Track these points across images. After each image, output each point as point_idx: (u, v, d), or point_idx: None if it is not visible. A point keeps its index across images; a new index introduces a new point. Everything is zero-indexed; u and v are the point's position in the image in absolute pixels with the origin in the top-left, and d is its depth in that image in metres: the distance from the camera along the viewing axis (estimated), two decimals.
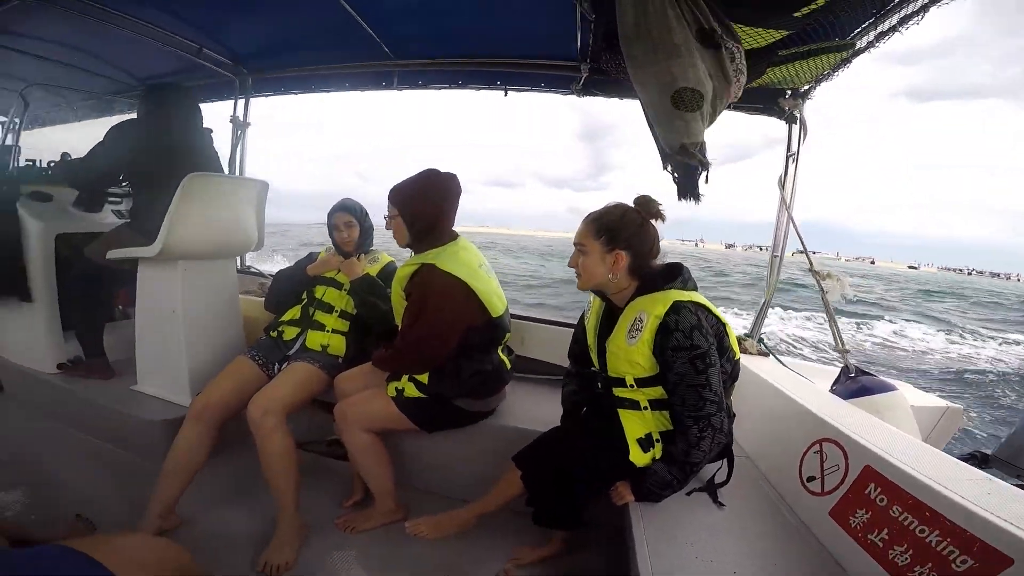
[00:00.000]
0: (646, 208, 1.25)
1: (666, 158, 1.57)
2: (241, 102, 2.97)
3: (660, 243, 1.26)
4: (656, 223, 1.26)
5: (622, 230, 1.22)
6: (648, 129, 1.59)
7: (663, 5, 1.29)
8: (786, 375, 1.73)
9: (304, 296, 1.89)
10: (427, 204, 1.53)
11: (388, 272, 1.91)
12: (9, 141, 2.68)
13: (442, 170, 1.57)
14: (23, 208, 2.08)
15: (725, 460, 1.31)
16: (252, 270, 3.09)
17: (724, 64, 1.39)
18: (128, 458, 1.88)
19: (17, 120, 2.70)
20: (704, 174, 1.52)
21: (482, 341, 1.57)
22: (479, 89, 2.58)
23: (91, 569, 0.67)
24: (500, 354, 1.67)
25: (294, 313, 1.87)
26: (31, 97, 2.63)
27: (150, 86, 2.13)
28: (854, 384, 1.79)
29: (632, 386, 1.22)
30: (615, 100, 2.27)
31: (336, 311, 1.84)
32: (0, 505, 1.56)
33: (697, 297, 1.19)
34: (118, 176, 1.93)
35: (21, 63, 2.66)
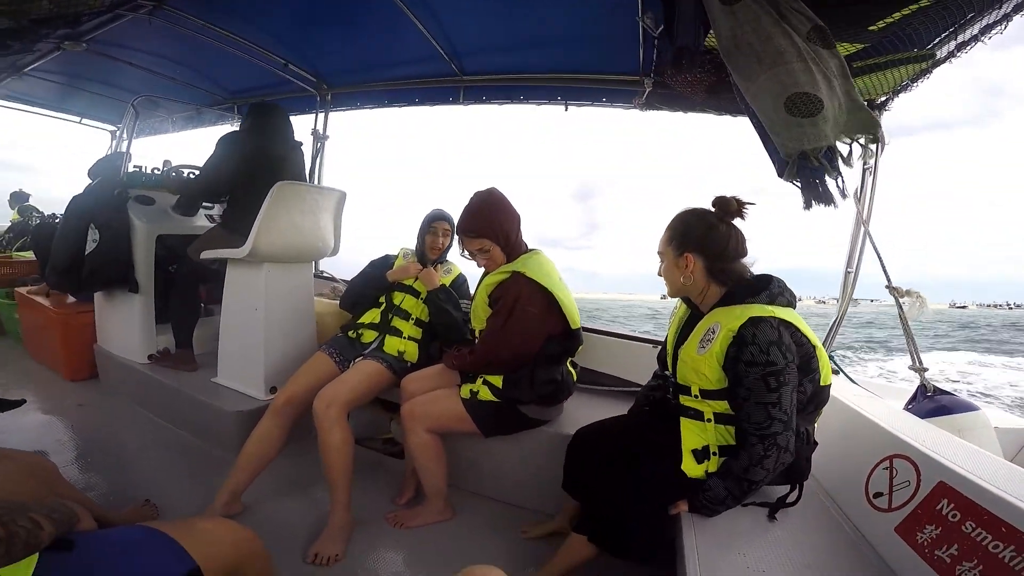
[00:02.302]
0: (723, 208, 1.25)
1: (783, 167, 1.55)
2: (321, 116, 3.28)
3: (746, 244, 1.26)
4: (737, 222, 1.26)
5: (690, 233, 1.26)
6: (740, 146, 1.67)
7: (757, 14, 1.32)
8: (857, 393, 1.71)
9: (382, 301, 2.02)
10: (508, 218, 1.67)
11: (459, 283, 2.04)
12: (121, 149, 3.08)
13: (484, 189, 1.71)
14: (131, 210, 2.39)
15: (796, 486, 1.28)
16: (325, 274, 3.33)
17: (845, 61, 1.39)
18: (202, 446, 2.07)
19: (128, 129, 3.10)
20: (836, 179, 1.49)
21: (558, 351, 1.66)
22: (540, 104, 2.73)
23: (171, 550, 0.77)
24: (568, 365, 1.75)
25: (373, 316, 1.99)
26: (140, 108, 2.97)
27: (252, 104, 2.40)
28: (931, 403, 1.75)
29: (697, 396, 1.23)
30: (679, 114, 2.35)
31: (412, 318, 1.96)
32: (87, 485, 1.76)
33: (784, 313, 1.16)
34: (229, 183, 2.16)
35: (133, 76, 3.08)
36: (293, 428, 1.74)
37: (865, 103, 1.45)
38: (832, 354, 2.03)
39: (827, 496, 1.39)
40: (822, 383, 1.21)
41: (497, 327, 1.59)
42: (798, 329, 1.15)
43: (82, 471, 1.86)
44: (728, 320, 1.16)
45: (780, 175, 1.58)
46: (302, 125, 3.31)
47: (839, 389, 1.69)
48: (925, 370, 1.84)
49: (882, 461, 1.20)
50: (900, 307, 1.80)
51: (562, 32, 2.22)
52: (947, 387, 1.85)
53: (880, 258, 1.87)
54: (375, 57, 2.77)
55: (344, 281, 3.19)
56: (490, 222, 1.65)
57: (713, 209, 1.27)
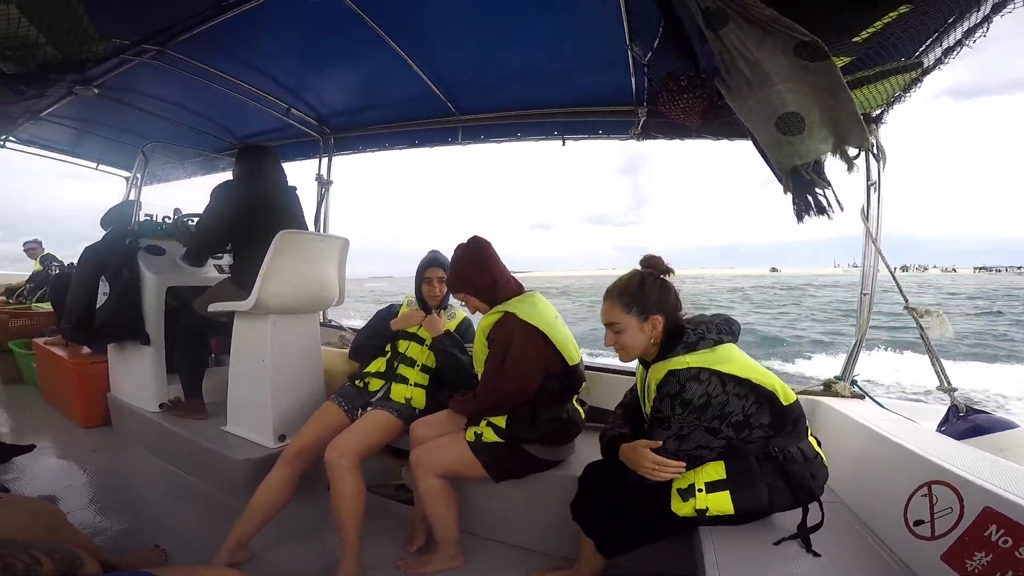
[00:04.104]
0: (657, 267, 1.37)
1: (782, 181, 1.64)
2: (325, 160, 3.37)
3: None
4: (669, 278, 1.38)
5: (648, 296, 1.33)
6: (745, 155, 1.68)
7: (742, 38, 1.36)
8: (886, 417, 1.69)
9: (388, 349, 2.06)
10: (480, 273, 1.73)
11: (464, 328, 2.07)
12: (132, 196, 3.19)
13: (465, 240, 1.78)
14: (142, 260, 2.48)
15: (813, 505, 1.28)
16: (333, 323, 3.39)
17: (837, 73, 1.41)
18: (211, 492, 2.11)
19: (139, 176, 3.20)
20: (826, 190, 1.55)
21: (559, 388, 1.68)
22: (537, 140, 2.80)
23: None
24: (574, 403, 1.77)
25: (379, 365, 2.03)
26: (150, 154, 3.10)
27: (241, 148, 2.47)
28: (966, 423, 1.72)
29: None
30: (676, 141, 2.37)
31: (418, 365, 2.00)
32: (96, 529, 1.81)
33: (699, 359, 1.26)
34: (227, 233, 2.19)
35: (145, 121, 3.19)
36: (302, 478, 1.76)
37: (861, 115, 1.48)
38: (855, 379, 1.99)
39: (862, 524, 1.38)
40: (785, 402, 1.28)
41: (495, 367, 1.62)
42: (715, 371, 1.24)
43: (93, 515, 1.92)
44: (656, 377, 1.30)
45: (785, 191, 1.65)
46: (307, 170, 3.40)
47: (864, 414, 1.70)
48: (954, 390, 1.82)
49: (920, 488, 1.19)
50: (921, 328, 1.76)
51: (553, 66, 2.26)
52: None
53: (895, 278, 1.86)
54: (373, 100, 2.85)
55: (352, 329, 3.24)
56: (462, 278, 1.74)
57: (648, 269, 1.37)
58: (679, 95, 1.88)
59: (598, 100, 2.46)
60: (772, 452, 1.26)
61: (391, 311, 2.14)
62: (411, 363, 2.00)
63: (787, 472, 1.24)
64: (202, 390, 2.44)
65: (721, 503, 1.24)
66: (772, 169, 1.65)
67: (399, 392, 1.96)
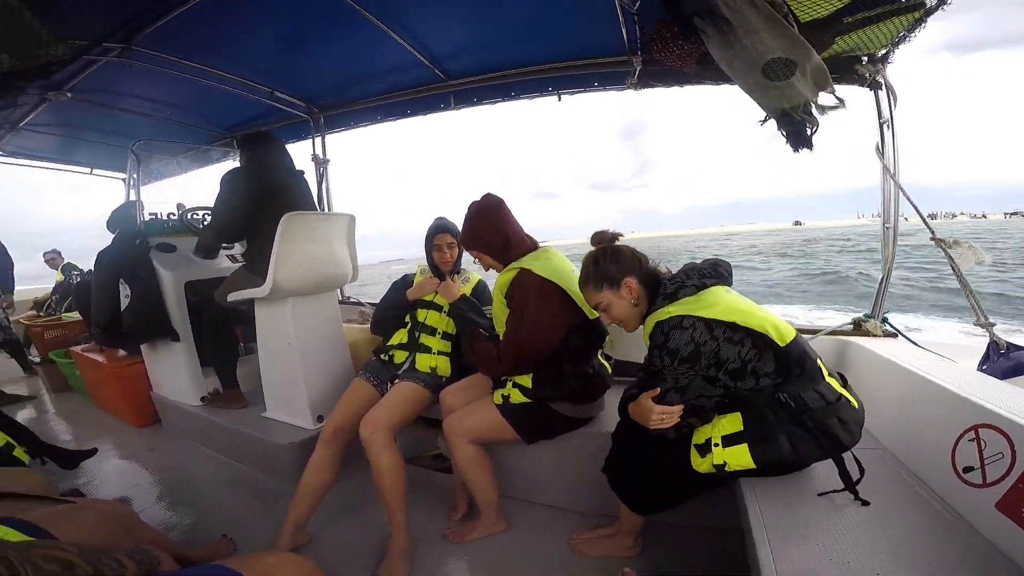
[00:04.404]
0: (605, 239, 1.48)
1: (774, 118, 1.76)
2: (319, 140, 3.31)
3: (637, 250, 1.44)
4: (619, 241, 1.48)
5: (608, 268, 1.39)
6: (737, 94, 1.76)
7: None
8: (921, 356, 1.62)
9: (408, 320, 2.08)
10: (492, 230, 1.70)
11: (480, 290, 2.06)
12: (132, 196, 3.19)
13: (478, 198, 1.75)
14: (155, 259, 2.50)
15: (840, 457, 1.25)
16: (352, 300, 3.42)
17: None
18: (262, 478, 2.20)
19: (135, 175, 3.20)
20: (814, 129, 1.69)
21: (582, 344, 1.66)
22: (532, 97, 2.72)
23: None
24: (600, 358, 1.76)
25: (401, 337, 2.05)
26: (141, 153, 3.08)
27: (242, 136, 2.43)
28: (1008, 361, 1.66)
29: None
30: (675, 88, 2.31)
31: (439, 333, 2.01)
32: (167, 525, 1.91)
33: (680, 308, 1.26)
34: (239, 223, 2.18)
35: (130, 122, 3.14)
36: (344, 455, 1.82)
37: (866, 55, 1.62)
38: (886, 316, 1.95)
39: (909, 473, 1.34)
40: (780, 343, 1.23)
41: (515, 325, 1.61)
42: (697, 317, 1.23)
43: (162, 512, 2.03)
44: (646, 331, 1.35)
45: (764, 121, 1.80)
46: (301, 152, 3.35)
47: (899, 353, 1.64)
48: (993, 325, 1.74)
49: (966, 432, 1.14)
50: (951, 260, 1.70)
51: (540, 23, 2.17)
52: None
53: (918, 210, 1.79)
54: (359, 74, 2.76)
55: (371, 304, 3.26)
56: (474, 237, 1.72)
57: (599, 246, 1.47)
58: (673, 42, 1.83)
59: (590, 52, 2.38)
60: (782, 400, 1.20)
61: (406, 281, 2.13)
62: (432, 332, 2.01)
63: (807, 419, 1.19)
64: (237, 379, 2.51)
65: (739, 457, 1.20)
66: (761, 107, 1.74)
67: (424, 362, 1.97)
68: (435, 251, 2.02)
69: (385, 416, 1.74)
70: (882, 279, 1.93)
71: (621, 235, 1.50)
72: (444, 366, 1.98)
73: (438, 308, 2.02)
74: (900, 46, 1.67)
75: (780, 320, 1.27)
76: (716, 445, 1.23)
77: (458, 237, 1.99)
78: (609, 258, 1.41)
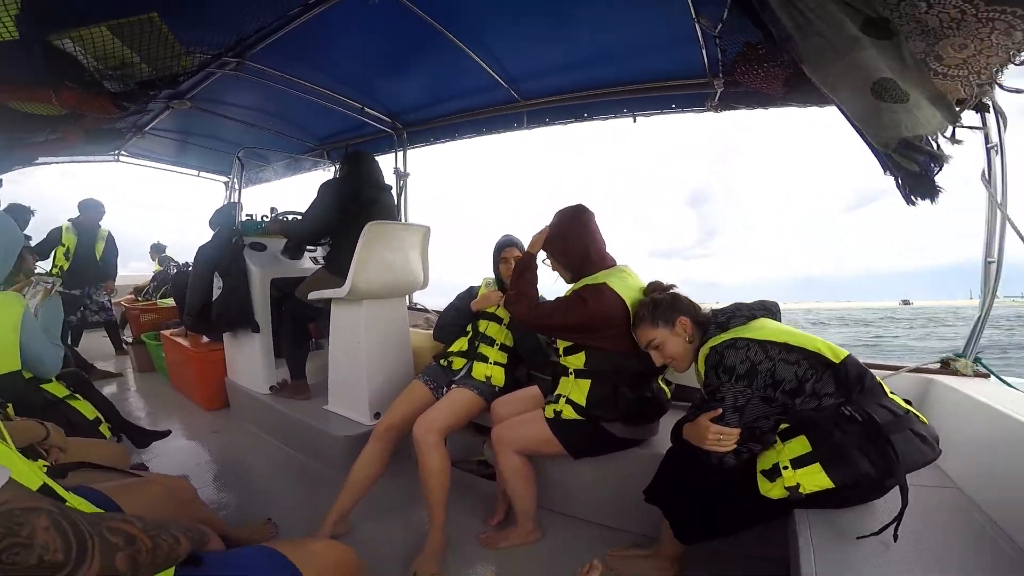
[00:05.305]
0: (661, 288, 1.60)
1: (884, 160, 1.53)
2: (400, 154, 3.58)
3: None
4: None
5: (664, 307, 1.47)
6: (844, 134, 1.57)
7: (819, 1, 1.24)
8: (1016, 398, 1.55)
9: (469, 329, 2.19)
10: (573, 241, 1.74)
11: None
12: (233, 199, 3.54)
13: (570, 206, 1.78)
14: (247, 257, 2.77)
15: (920, 482, 1.25)
16: (418, 306, 3.61)
17: (905, 54, 1.28)
18: (314, 467, 2.34)
19: (237, 180, 3.56)
20: (937, 168, 1.45)
21: (642, 368, 1.65)
22: (606, 119, 2.79)
23: (288, 570, 0.89)
24: (660, 382, 1.78)
25: (461, 345, 2.17)
26: (244, 159, 3.41)
27: (348, 153, 2.69)
28: None
29: None
30: (758, 111, 2.27)
31: (497, 344, 2.10)
32: (219, 504, 2.06)
33: (733, 333, 1.33)
34: (327, 227, 2.44)
35: (235, 129, 3.55)
36: (393, 451, 1.92)
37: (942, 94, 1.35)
38: (980, 356, 1.84)
39: (982, 514, 1.29)
40: (835, 360, 1.25)
41: (565, 308, 1.66)
42: (750, 339, 1.29)
43: (217, 492, 2.18)
44: (700, 359, 1.40)
45: (885, 170, 1.55)
46: (384, 165, 3.61)
47: (991, 394, 1.58)
48: None
49: None
50: None
51: (616, 45, 2.27)
52: None
53: None
54: (440, 93, 3.01)
55: (435, 311, 3.43)
56: (553, 240, 1.78)
57: (654, 293, 1.57)
58: (758, 64, 1.83)
59: (668, 74, 2.43)
60: (847, 413, 1.18)
61: (471, 292, 2.26)
62: (491, 342, 2.10)
63: (878, 433, 1.14)
64: (306, 372, 2.70)
65: (815, 477, 1.15)
66: (869, 145, 1.52)
67: (480, 371, 2.06)
68: (502, 263, 2.14)
69: (439, 419, 1.82)
70: (979, 317, 1.83)
71: (676, 286, 1.60)
72: (499, 376, 2.06)
73: (499, 320, 2.12)
74: (1009, 65, 1.48)
75: (831, 343, 1.28)
76: (785, 468, 1.19)
77: (522, 250, 2.08)
78: (666, 298, 1.50)
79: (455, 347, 2.17)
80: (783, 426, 1.26)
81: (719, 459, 1.28)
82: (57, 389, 1.88)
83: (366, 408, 2.31)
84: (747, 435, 1.26)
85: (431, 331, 2.48)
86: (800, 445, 1.20)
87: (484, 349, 2.10)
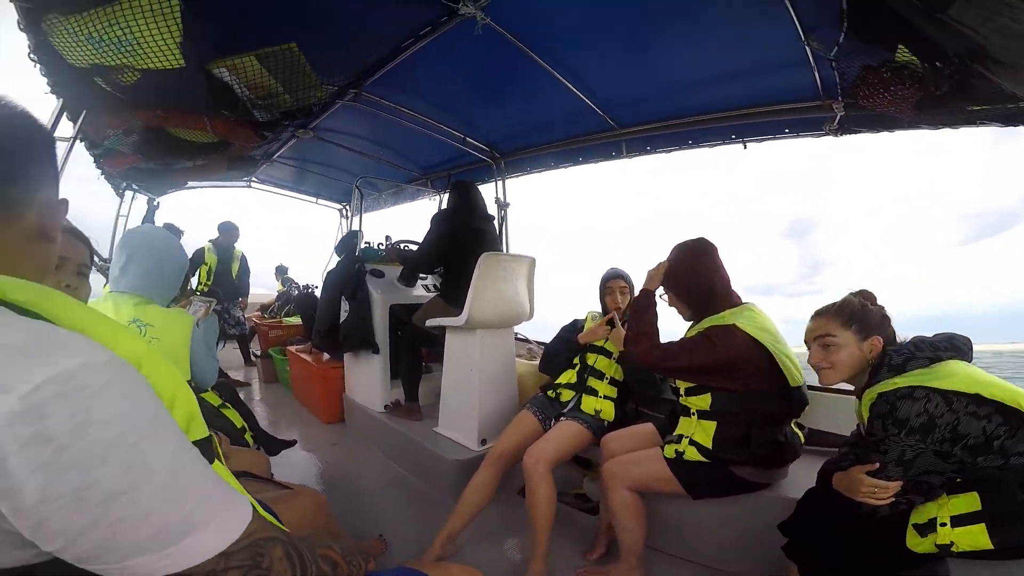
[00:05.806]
0: (874, 299, 1.38)
1: None
2: (500, 184, 3.73)
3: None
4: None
5: (871, 316, 1.31)
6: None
7: (986, 9, 1.17)
8: None
9: (576, 361, 2.24)
10: (697, 277, 1.70)
11: None
12: (354, 227, 3.86)
13: (692, 239, 1.74)
14: (368, 283, 3.03)
15: None
16: (520, 336, 3.71)
17: None
18: (422, 487, 2.44)
19: (357, 208, 3.88)
20: None
21: (777, 410, 1.60)
22: (713, 146, 2.71)
23: None
24: (792, 426, 1.69)
25: (570, 377, 2.21)
26: (360, 187, 3.71)
27: (454, 184, 2.86)
28: None
29: None
30: (884, 134, 2.16)
31: (607, 378, 2.12)
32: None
33: (910, 379, 1.16)
34: (441, 257, 2.60)
35: (347, 158, 3.82)
36: (502, 479, 1.98)
37: None
38: None
39: None
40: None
41: (693, 348, 1.60)
42: (933, 388, 1.13)
43: (331, 503, 2.33)
44: (866, 402, 1.25)
45: None
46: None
47: None
48: None
49: None
50: None
51: (717, 69, 2.23)
52: None
53: None
54: (535, 122, 3.09)
55: (538, 343, 3.52)
56: (674, 277, 1.75)
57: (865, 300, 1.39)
58: (882, 88, 1.73)
59: (777, 99, 2.33)
60: None
61: (575, 326, 2.31)
62: (600, 376, 2.12)
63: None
64: (418, 394, 2.88)
65: (974, 537, 1.07)
66: None
67: (589, 404, 2.08)
68: (608, 295, 2.17)
69: (548, 450, 1.86)
70: None
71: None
72: (608, 410, 2.07)
73: (608, 354, 2.14)
74: None
75: None
76: (943, 525, 1.11)
77: (630, 283, 2.11)
78: (880, 313, 1.34)
79: (563, 379, 2.21)
80: (956, 480, 1.14)
81: (872, 508, 1.20)
82: (212, 398, 2.04)
83: (475, 434, 2.40)
84: (911, 487, 1.15)
85: (533, 361, 2.54)
86: (968, 502, 1.10)
87: (593, 383, 2.12)
